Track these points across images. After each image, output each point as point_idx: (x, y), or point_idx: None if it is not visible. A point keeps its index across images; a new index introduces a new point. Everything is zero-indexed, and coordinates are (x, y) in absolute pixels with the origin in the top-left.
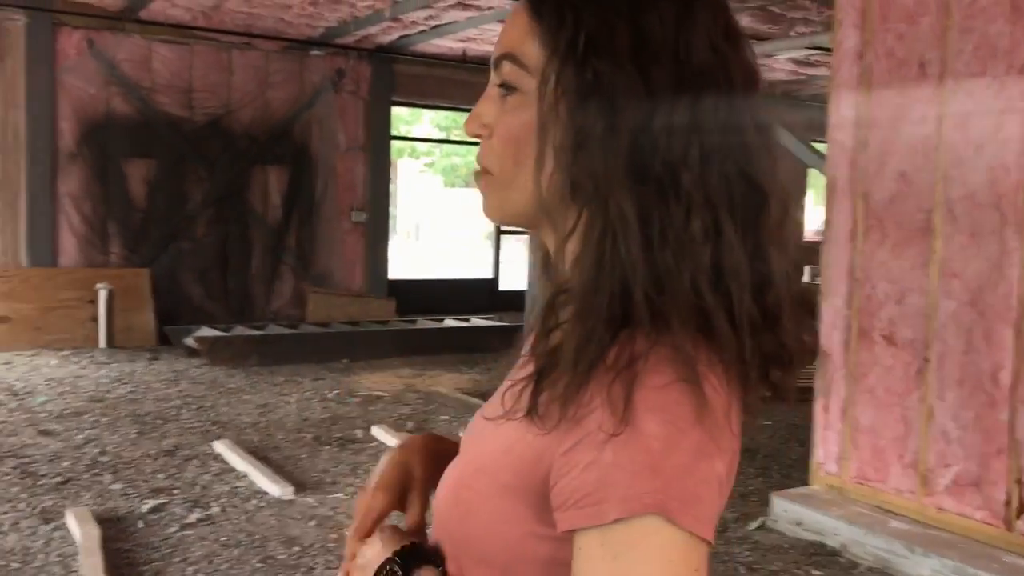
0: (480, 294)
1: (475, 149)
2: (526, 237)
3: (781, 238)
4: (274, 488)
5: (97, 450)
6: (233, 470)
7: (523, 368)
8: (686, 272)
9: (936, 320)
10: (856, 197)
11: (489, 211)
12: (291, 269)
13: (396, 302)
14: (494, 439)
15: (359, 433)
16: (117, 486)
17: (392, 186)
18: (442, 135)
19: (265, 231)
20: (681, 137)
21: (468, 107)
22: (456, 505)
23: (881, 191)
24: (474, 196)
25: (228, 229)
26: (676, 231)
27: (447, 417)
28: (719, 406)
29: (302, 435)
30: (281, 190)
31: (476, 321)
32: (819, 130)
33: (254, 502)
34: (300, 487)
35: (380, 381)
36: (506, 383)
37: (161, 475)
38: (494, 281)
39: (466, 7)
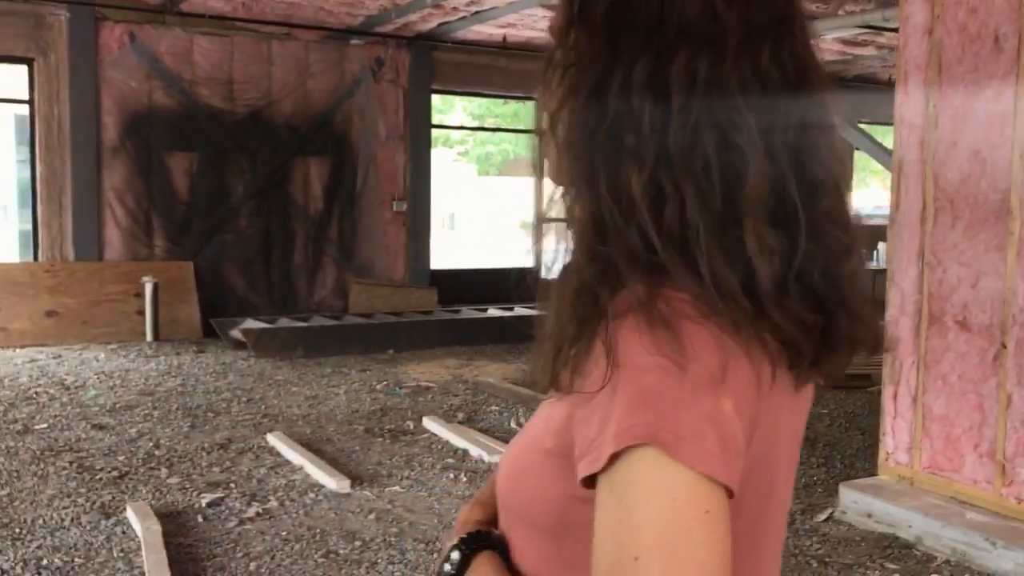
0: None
1: (508, 137)
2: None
3: (765, 213)
4: (331, 481)
5: (151, 444)
6: (288, 463)
7: None
8: (633, 228)
9: (1014, 304)
10: (926, 178)
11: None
12: (333, 260)
13: (438, 292)
14: (540, 412)
15: (410, 424)
16: (174, 480)
17: None
18: (476, 123)
19: (307, 222)
20: (636, 98)
21: (508, 94)
22: (509, 477)
23: (953, 171)
24: (508, 184)
25: (270, 221)
26: (622, 190)
27: (497, 408)
28: (714, 354)
29: (353, 427)
30: (322, 181)
31: (520, 310)
32: (863, 112)
33: (311, 496)
34: (356, 480)
35: (427, 372)
36: None
37: (216, 469)
38: (536, 270)
39: None
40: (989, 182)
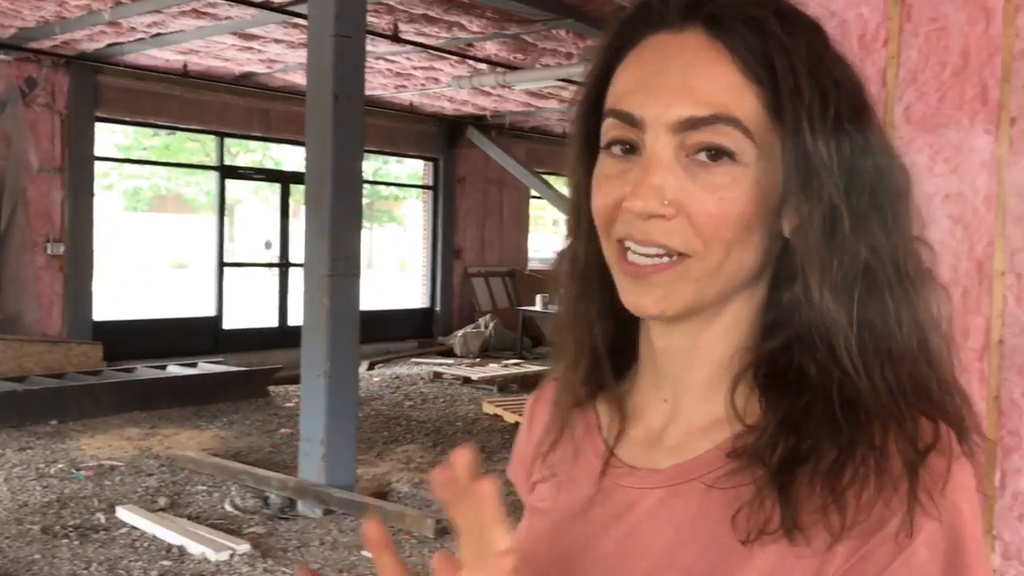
0: (202, 334)
1: (159, 171)
2: (252, 270)
3: None
4: None
5: None
6: None
7: (711, 485)
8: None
9: None
10: None
11: (671, 302)
12: None
13: (103, 347)
14: None
15: (101, 517)
16: None
17: None
18: (123, 155)
19: None
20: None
21: (187, 127)
22: None
23: None
24: (160, 221)
25: None
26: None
27: (204, 487)
28: None
29: (25, 527)
30: None
31: (204, 366)
32: (541, 161)
33: None
34: None
35: (106, 446)
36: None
37: None
38: (217, 319)
39: (200, 14)
40: None
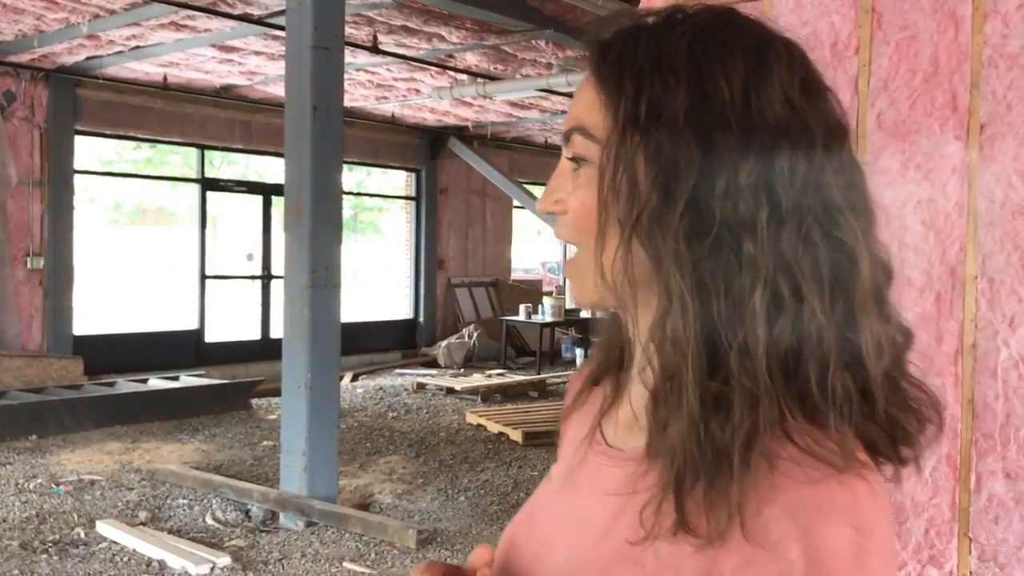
0: (184, 348)
1: (141, 183)
2: (234, 283)
3: (873, 308)
4: None
5: None
6: None
7: (645, 473)
8: (760, 348)
9: None
10: None
11: (575, 293)
12: None
13: (84, 361)
14: (620, 553)
15: (81, 532)
16: None
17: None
18: (104, 168)
19: None
20: (746, 201)
21: (168, 140)
22: None
23: None
24: (143, 234)
25: None
26: (742, 303)
27: (185, 501)
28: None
29: (3, 543)
30: None
31: (187, 379)
32: (523, 171)
33: None
34: None
35: (86, 461)
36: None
37: None
38: (199, 332)
39: (180, 27)
40: None
